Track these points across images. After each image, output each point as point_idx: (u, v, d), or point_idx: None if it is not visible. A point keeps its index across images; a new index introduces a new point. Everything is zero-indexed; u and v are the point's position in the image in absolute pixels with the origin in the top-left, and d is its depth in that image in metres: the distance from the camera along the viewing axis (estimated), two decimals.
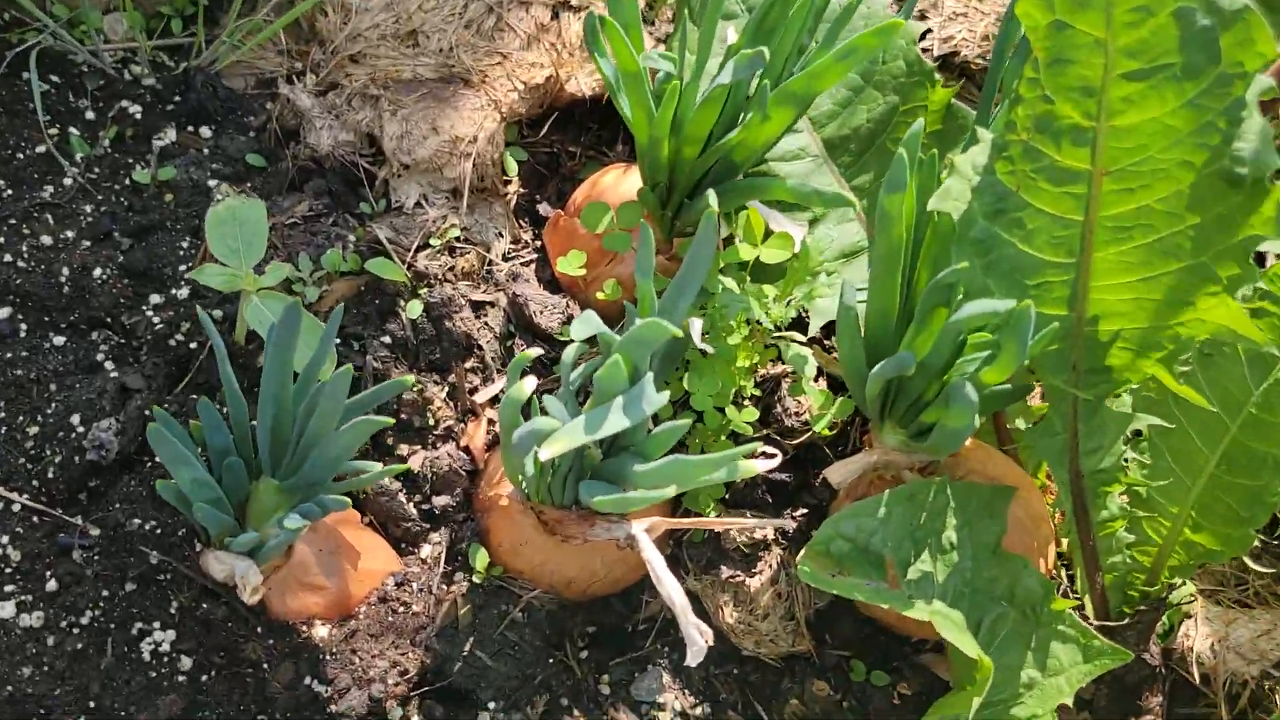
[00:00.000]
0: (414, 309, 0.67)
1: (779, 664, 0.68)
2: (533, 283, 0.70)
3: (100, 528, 0.58)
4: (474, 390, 0.68)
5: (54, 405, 0.61)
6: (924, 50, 0.90)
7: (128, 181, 0.71)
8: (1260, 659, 0.62)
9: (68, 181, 0.69)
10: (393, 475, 0.62)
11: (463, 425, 0.67)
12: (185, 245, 0.67)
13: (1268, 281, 0.57)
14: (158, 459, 0.60)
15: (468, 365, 0.68)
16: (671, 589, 0.55)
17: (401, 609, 0.59)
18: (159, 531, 0.57)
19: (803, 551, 0.58)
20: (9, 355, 0.62)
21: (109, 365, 0.63)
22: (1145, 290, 0.51)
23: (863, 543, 0.58)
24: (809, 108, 0.64)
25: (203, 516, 0.51)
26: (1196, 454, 0.59)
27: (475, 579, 0.63)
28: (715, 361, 0.64)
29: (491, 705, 0.60)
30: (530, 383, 0.54)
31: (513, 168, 0.75)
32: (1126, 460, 0.60)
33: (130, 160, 0.72)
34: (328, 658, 0.56)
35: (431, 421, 0.66)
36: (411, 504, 0.64)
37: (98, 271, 0.65)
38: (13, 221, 0.67)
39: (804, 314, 0.70)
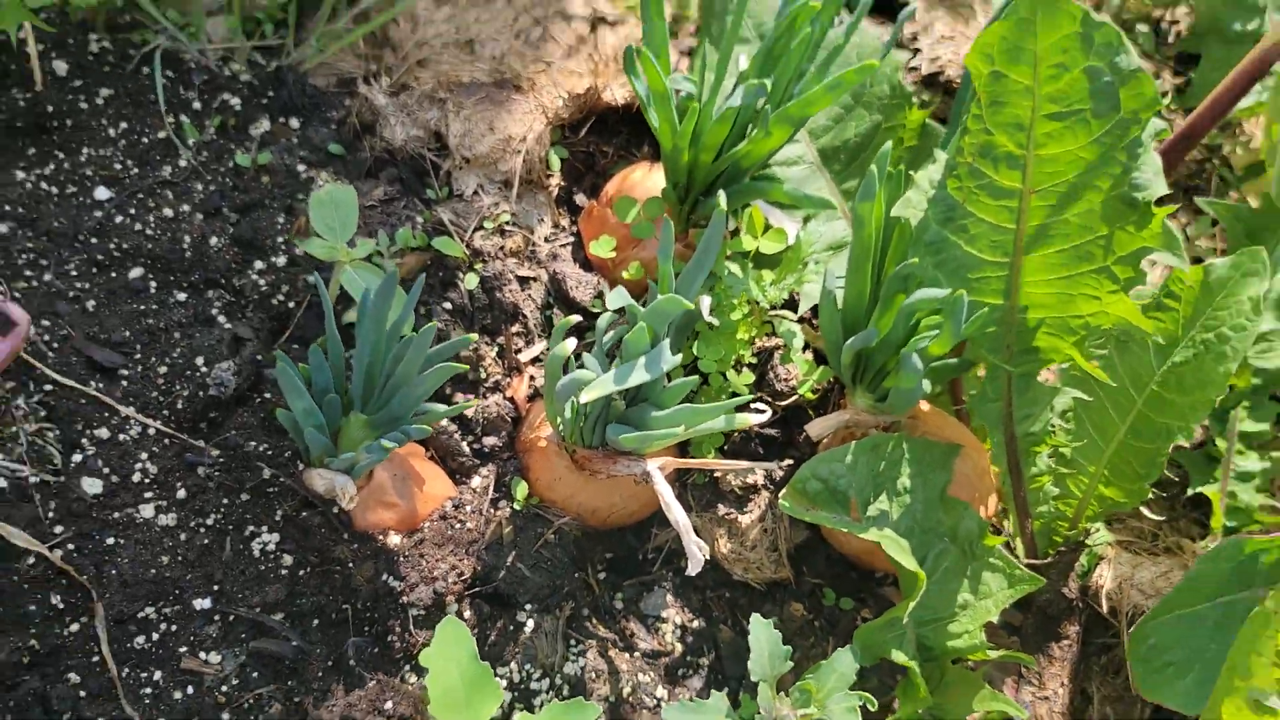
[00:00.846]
0: (470, 281, 0.81)
1: (763, 589, 0.81)
2: (569, 262, 0.84)
3: (220, 449, 0.72)
4: (519, 350, 0.81)
5: (179, 350, 0.74)
6: (913, 69, 1.02)
7: (231, 164, 0.84)
8: (1157, 595, 0.75)
9: (182, 163, 0.83)
10: (452, 416, 0.76)
11: (509, 380, 0.80)
12: (281, 220, 0.81)
13: (1172, 283, 0.70)
14: (265, 396, 0.74)
15: (514, 330, 0.81)
16: (677, 513, 0.69)
17: (458, 526, 0.73)
18: (269, 453, 0.71)
19: (784, 489, 0.72)
20: (142, 308, 0.76)
21: (222, 319, 0.77)
22: (1064, 286, 0.64)
23: (832, 484, 0.71)
24: (805, 123, 0.77)
25: (310, 439, 0.65)
26: (1110, 423, 0.73)
27: (516, 506, 0.76)
28: (720, 333, 0.78)
29: (528, 607, 0.74)
30: (571, 343, 0.67)
31: (555, 164, 0.88)
32: (1053, 426, 0.73)
33: (232, 146, 0.85)
34: (400, 560, 0.70)
35: (483, 375, 0.79)
36: (465, 443, 0.78)
37: (213, 240, 0.79)
38: (140, 196, 0.80)
39: (795, 296, 0.83)
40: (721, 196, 0.72)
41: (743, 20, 0.77)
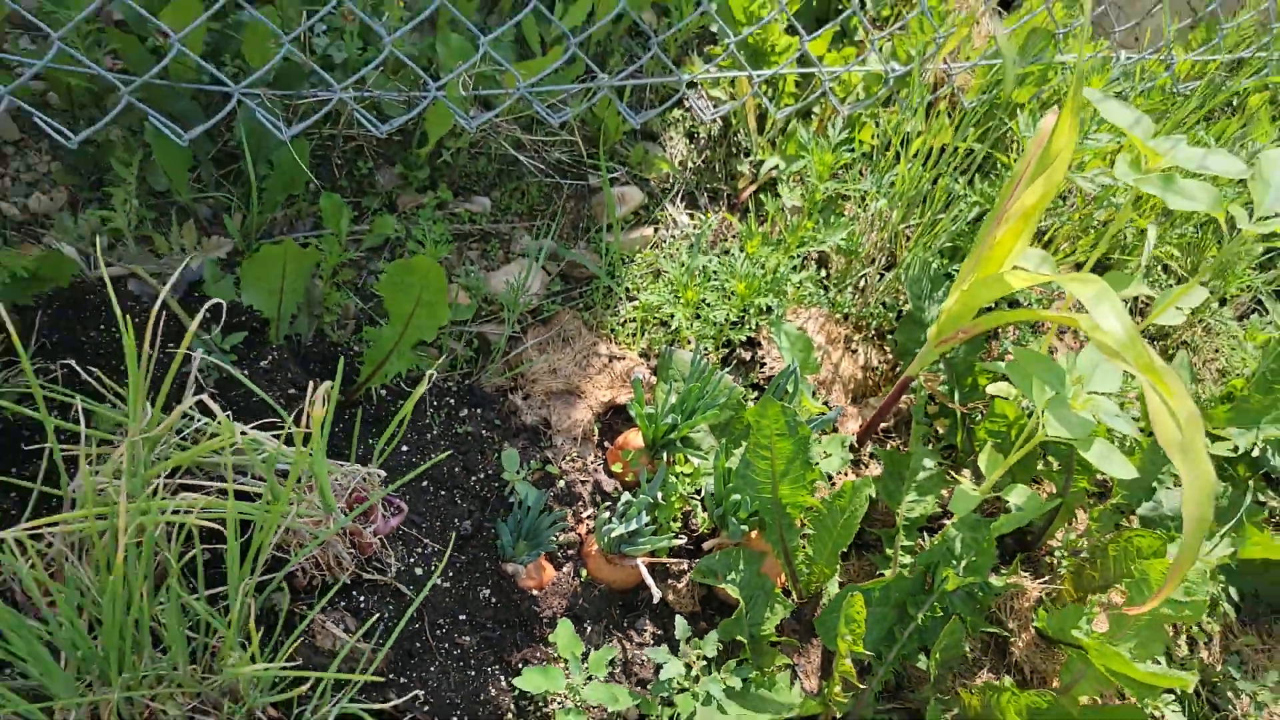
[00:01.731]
0: (560, 484, 1.88)
1: (686, 614, 1.85)
2: (602, 474, 1.91)
3: (467, 555, 1.77)
4: (580, 518, 1.87)
5: (444, 515, 1.81)
6: (761, 376, 2.12)
7: (454, 432, 1.92)
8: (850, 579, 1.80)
9: (434, 431, 1.91)
10: (556, 546, 1.81)
11: (577, 526, 1.86)
12: (479, 458, 1.88)
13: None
14: (487, 531, 1.80)
15: (579, 506, 1.87)
16: (647, 578, 1.74)
17: (560, 586, 1.78)
18: (487, 558, 1.76)
19: (694, 569, 1.77)
20: (429, 499, 1.83)
21: (462, 502, 1.84)
22: (792, 494, 1.72)
23: (713, 567, 1.77)
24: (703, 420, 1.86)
25: (505, 549, 1.70)
26: (826, 541, 1.79)
27: (581, 579, 1.81)
28: (665, 507, 1.84)
29: (586, 622, 1.77)
30: (606, 514, 1.74)
31: (595, 430, 1.96)
32: (804, 542, 1.79)
33: (453, 423, 1.93)
34: (538, 599, 1.74)
35: (569, 524, 1.85)
36: (559, 554, 1.83)
37: (455, 469, 1.86)
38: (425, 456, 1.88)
39: (700, 488, 1.91)
40: (664, 453, 1.80)
41: (671, 375, 1.88)
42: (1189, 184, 1.62)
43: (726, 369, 2.03)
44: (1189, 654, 2.08)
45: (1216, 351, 2.55)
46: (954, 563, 1.72)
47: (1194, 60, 2.54)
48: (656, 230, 2.22)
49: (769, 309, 2.08)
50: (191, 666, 1.37)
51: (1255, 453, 2.18)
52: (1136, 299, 2.55)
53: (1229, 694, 2.01)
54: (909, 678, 1.83)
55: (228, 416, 1.33)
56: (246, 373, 1.72)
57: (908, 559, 1.85)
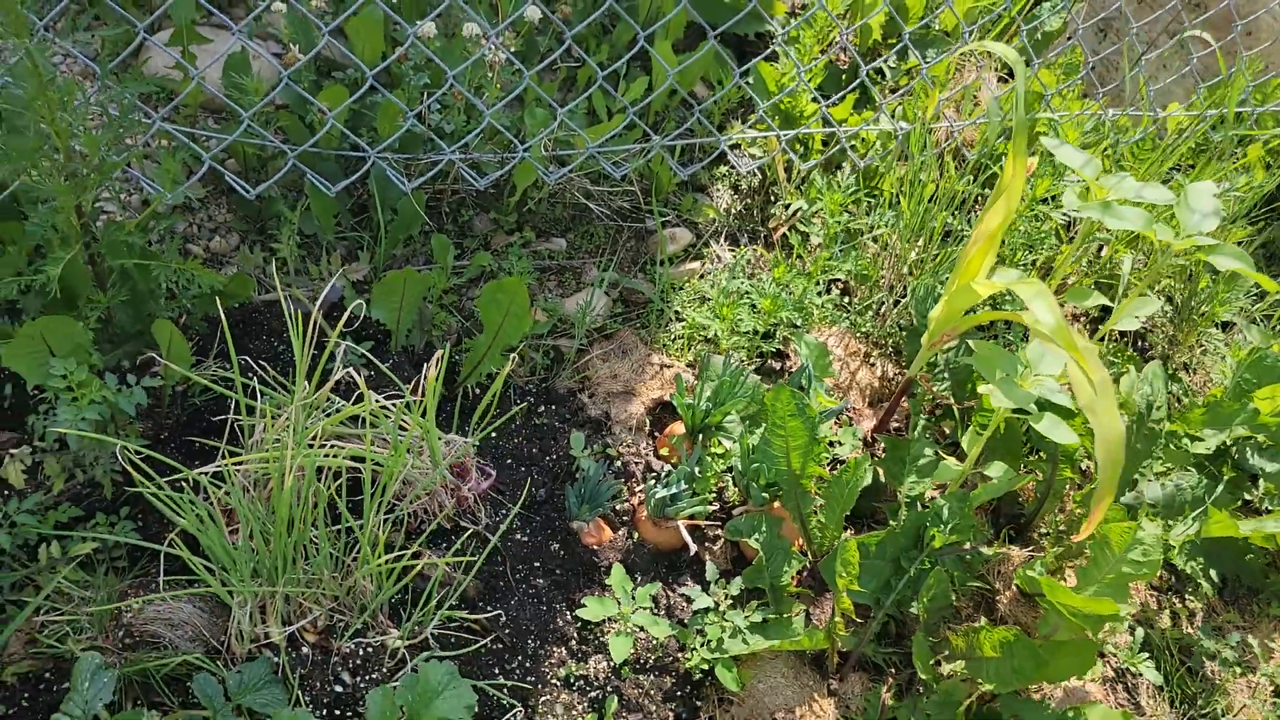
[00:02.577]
0: (618, 463, 2.30)
1: (719, 566, 2.23)
2: (652, 457, 2.33)
3: (541, 517, 2.20)
4: (633, 492, 2.29)
5: (538, 490, 2.25)
6: (779, 368, 2.52)
7: (532, 423, 2.36)
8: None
9: (521, 436, 2.36)
10: (613, 507, 2.23)
11: (631, 497, 2.28)
12: (553, 442, 2.32)
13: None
14: (558, 498, 2.23)
15: (633, 483, 2.29)
16: (688, 539, 2.14)
17: (616, 545, 2.19)
18: (555, 517, 2.19)
19: (725, 528, 2.16)
20: (513, 476, 2.27)
21: (540, 479, 2.28)
22: (802, 464, 2.11)
23: (740, 528, 2.16)
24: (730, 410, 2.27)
25: (571, 511, 2.13)
26: (837, 507, 2.16)
27: (633, 540, 2.21)
28: (704, 480, 2.25)
29: (637, 575, 2.18)
30: (656, 485, 2.15)
31: (647, 423, 2.39)
32: (816, 508, 2.17)
33: (532, 418, 2.38)
34: (597, 553, 2.16)
35: (623, 495, 2.27)
36: (615, 517, 2.25)
37: (534, 450, 2.31)
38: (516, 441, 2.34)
39: (731, 465, 2.31)
40: (702, 437, 2.22)
41: (708, 375, 2.31)
42: (1124, 209, 1.99)
43: (759, 375, 2.44)
44: (1171, 626, 2.36)
45: (1209, 371, 2.85)
46: (941, 525, 2.07)
47: (1182, 115, 2.90)
48: (703, 264, 2.67)
49: (795, 325, 2.50)
50: (333, 574, 1.83)
51: (1235, 453, 2.48)
52: (1100, 309, 2.86)
53: (1203, 658, 2.28)
54: (908, 628, 2.18)
55: (369, 389, 1.81)
56: (372, 374, 2.21)
57: None
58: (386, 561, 1.74)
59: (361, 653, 1.81)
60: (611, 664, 2.01)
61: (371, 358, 2.16)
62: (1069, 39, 2.82)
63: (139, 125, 1.88)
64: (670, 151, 2.60)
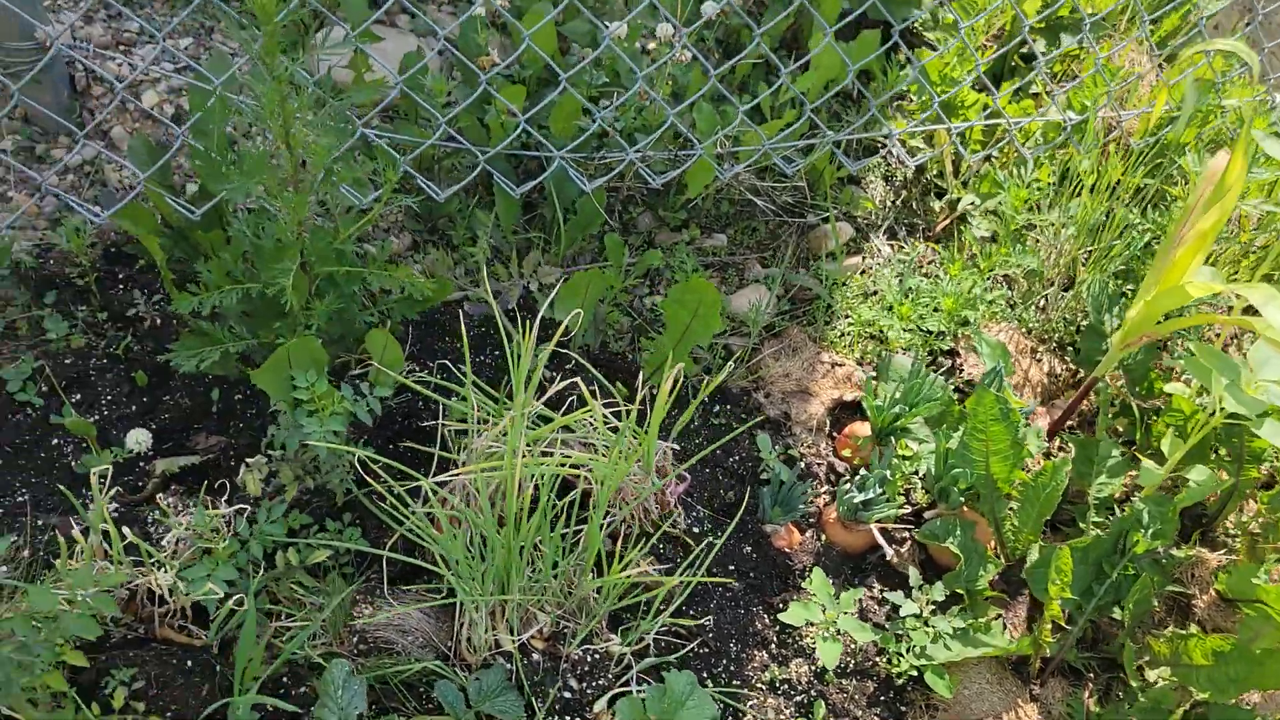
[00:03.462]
0: (800, 465, 2.30)
1: (903, 571, 2.23)
2: (833, 458, 2.32)
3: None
4: (817, 494, 2.29)
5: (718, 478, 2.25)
6: (962, 380, 2.49)
7: (716, 423, 2.36)
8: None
9: (699, 438, 2.36)
10: (802, 514, 2.23)
11: (816, 499, 2.28)
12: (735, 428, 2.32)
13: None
14: (753, 503, 2.23)
15: (815, 485, 2.29)
16: (884, 544, 2.14)
17: (805, 547, 2.19)
18: (748, 520, 2.19)
19: (918, 530, 2.15)
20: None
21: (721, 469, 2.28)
22: (1000, 469, 2.09)
23: (934, 531, 2.15)
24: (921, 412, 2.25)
25: (765, 513, 2.13)
26: (1031, 514, 2.15)
27: (821, 542, 2.21)
28: (891, 483, 2.24)
29: (828, 576, 2.18)
30: (846, 486, 2.15)
31: (826, 422, 2.38)
32: (1011, 510, 2.16)
33: (713, 419, 2.37)
34: (790, 556, 2.16)
35: (811, 497, 2.27)
36: (801, 522, 2.24)
37: (705, 433, 2.31)
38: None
39: (919, 469, 2.30)
40: (889, 439, 2.21)
41: (890, 376, 2.29)
42: None
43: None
44: None
45: None
46: (1142, 530, 2.05)
47: None
48: (864, 259, 2.64)
49: (967, 322, 2.47)
50: (561, 583, 1.85)
51: None
52: None
53: None
54: (1104, 632, 2.16)
55: (591, 393, 1.81)
56: (557, 375, 2.21)
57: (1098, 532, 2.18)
58: (623, 575, 1.75)
59: (589, 659, 1.82)
60: (814, 668, 2.01)
61: (589, 366, 2.17)
62: (1248, 25, 2.74)
63: (351, 132, 1.88)
64: (837, 145, 2.56)
